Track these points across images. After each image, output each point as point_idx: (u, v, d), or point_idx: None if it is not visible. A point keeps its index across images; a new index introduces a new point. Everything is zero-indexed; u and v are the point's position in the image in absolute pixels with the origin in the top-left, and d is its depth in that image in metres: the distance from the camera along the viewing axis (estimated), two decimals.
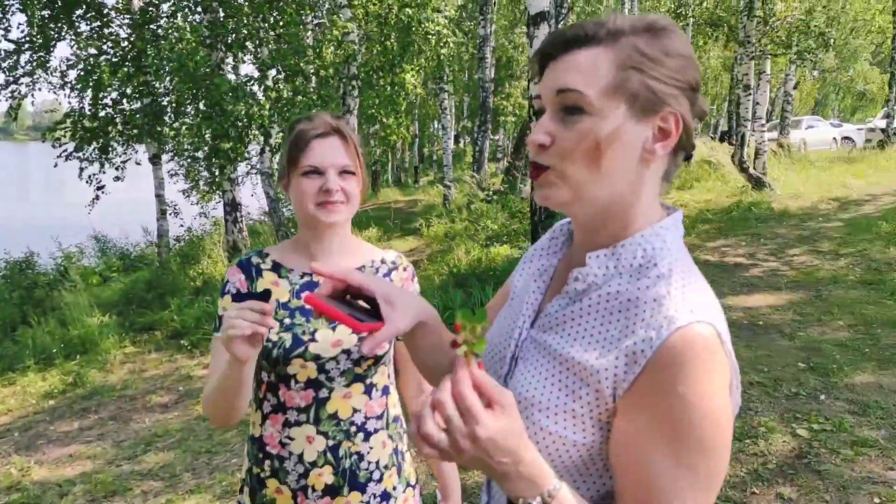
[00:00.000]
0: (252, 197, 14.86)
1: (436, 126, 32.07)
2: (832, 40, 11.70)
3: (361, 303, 0.88)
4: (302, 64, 8.16)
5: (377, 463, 1.35)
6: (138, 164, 10.19)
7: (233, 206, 9.76)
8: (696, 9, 12.62)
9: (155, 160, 10.37)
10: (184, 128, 9.78)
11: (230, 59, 8.71)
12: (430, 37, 8.47)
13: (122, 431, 4.42)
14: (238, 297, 1.31)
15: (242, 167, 10.60)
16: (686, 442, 0.68)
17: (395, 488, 1.40)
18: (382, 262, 1.43)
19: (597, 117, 0.74)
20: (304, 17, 9.32)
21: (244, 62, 8.93)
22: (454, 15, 9.68)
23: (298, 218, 1.36)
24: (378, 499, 1.35)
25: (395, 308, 0.84)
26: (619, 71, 0.74)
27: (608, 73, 0.75)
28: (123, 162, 9.90)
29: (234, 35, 7.97)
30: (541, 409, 0.77)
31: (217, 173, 9.07)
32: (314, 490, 1.30)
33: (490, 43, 15.47)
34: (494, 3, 16.05)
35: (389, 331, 0.82)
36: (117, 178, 9.72)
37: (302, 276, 1.36)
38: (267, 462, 1.33)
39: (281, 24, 8.40)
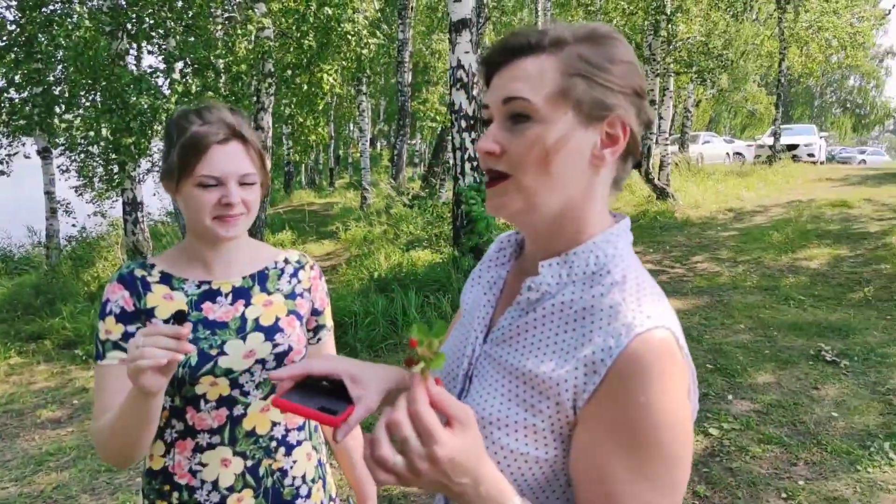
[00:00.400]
0: (154, 196, 14.06)
1: (351, 128, 31.73)
2: (729, 62, 12.58)
3: (325, 382, 0.83)
4: (212, 57, 7.78)
5: (303, 477, 1.26)
6: (27, 157, 9.34)
7: (133, 206, 9.14)
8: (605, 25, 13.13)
9: (45, 154, 9.56)
10: (78, 120, 9.08)
11: (133, 50, 8.18)
12: (349, 37, 8.32)
13: (9, 450, 3.98)
14: (123, 316, 1.17)
15: (145, 164, 9.96)
16: (648, 452, 0.67)
17: (332, 500, 1.34)
18: (286, 262, 1.33)
19: (544, 124, 0.74)
20: (213, 10, 8.91)
21: (150, 53, 8.39)
22: (374, 16, 9.58)
23: (190, 227, 1.22)
24: None
25: (363, 385, 0.82)
26: (564, 78, 0.74)
27: (553, 80, 0.74)
28: (10, 155, 9.04)
29: (137, 24, 7.47)
30: (499, 427, 0.74)
31: (117, 170, 8.47)
32: None
33: (408, 47, 15.47)
34: (413, 8, 16.07)
35: (361, 413, 0.79)
36: (2, 173, 8.87)
37: (199, 286, 1.23)
38: (175, 495, 1.19)
39: (189, 14, 7.97)
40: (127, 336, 1.16)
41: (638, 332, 0.69)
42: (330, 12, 7.94)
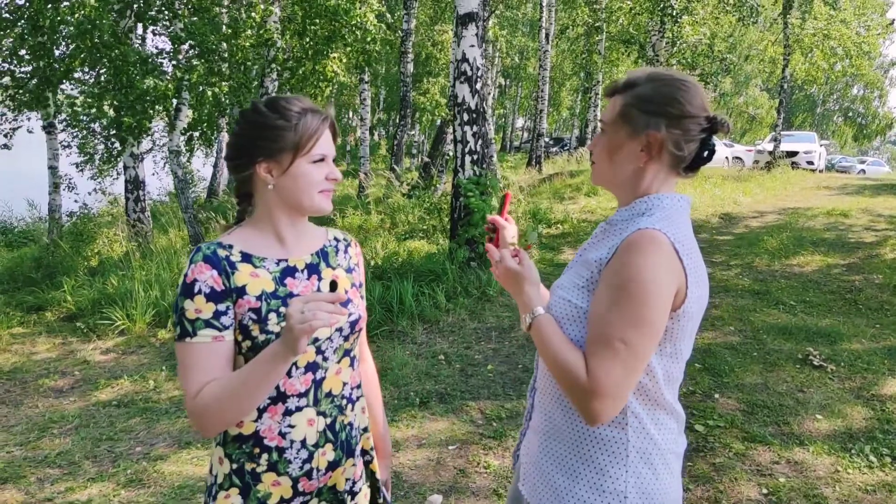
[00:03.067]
0: (153, 176, 14.07)
1: (350, 116, 31.65)
2: (731, 66, 12.63)
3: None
4: (216, 42, 7.75)
5: (359, 427, 1.43)
6: (30, 132, 9.34)
7: (135, 184, 9.18)
8: (613, 25, 13.17)
9: (49, 129, 9.56)
10: (82, 96, 9.09)
11: (139, 29, 8.17)
12: (356, 30, 8.33)
13: (13, 416, 4.05)
14: (213, 295, 1.22)
15: (146, 143, 9.97)
16: (619, 289, 1.10)
17: (372, 448, 1.49)
18: (336, 239, 1.45)
19: (610, 134, 1.25)
20: None
21: (155, 34, 8.39)
22: (382, 10, 9.59)
23: (288, 203, 1.29)
24: (359, 458, 1.43)
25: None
26: (625, 108, 1.22)
27: (619, 108, 1.23)
28: (14, 129, 9.04)
29: (145, 5, 7.48)
30: (562, 288, 1.26)
31: (119, 147, 8.48)
32: (318, 470, 1.32)
33: (412, 38, 15.45)
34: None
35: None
36: (5, 146, 8.88)
37: (278, 263, 1.30)
38: (264, 456, 1.28)
39: None
40: (218, 314, 1.21)
41: (641, 228, 1.13)
42: (336, 3, 7.94)
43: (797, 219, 9.53)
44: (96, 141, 10.42)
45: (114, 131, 7.77)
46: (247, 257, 1.28)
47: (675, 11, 10.88)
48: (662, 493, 1.18)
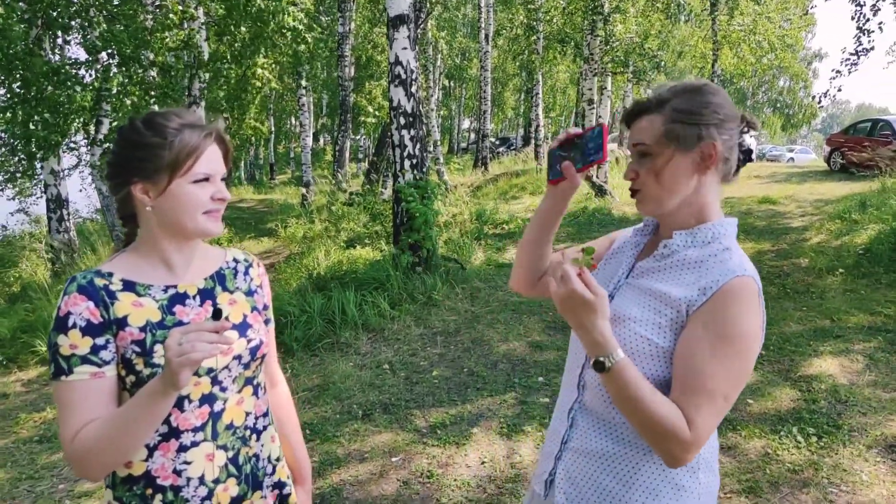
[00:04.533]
0: (80, 192, 13.44)
1: (293, 123, 31.14)
2: (662, 63, 12.96)
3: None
4: (133, 48, 7.41)
5: (268, 458, 1.37)
6: None
7: (58, 203, 8.75)
8: (547, 25, 13.33)
9: None
10: None
11: (58, 39, 7.76)
12: (285, 31, 8.14)
13: None
14: (90, 329, 1.14)
15: (69, 159, 9.50)
16: (725, 344, 1.06)
17: (288, 477, 1.43)
18: (235, 260, 1.39)
19: (656, 157, 1.17)
20: None
21: (66, 43, 7.98)
22: (311, 9, 9.39)
23: (170, 226, 1.21)
24: (271, 489, 1.37)
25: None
26: (667, 125, 1.16)
27: (659, 128, 1.16)
28: None
29: (56, 11, 7.10)
30: (635, 321, 1.16)
31: (26, 162, 8.04)
32: None
33: (349, 41, 15.29)
34: (353, 1, 15.88)
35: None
36: None
37: (166, 290, 1.23)
38: (158, 497, 1.20)
39: (115, 2, 7.62)
40: (96, 349, 1.14)
41: (738, 274, 1.10)
42: (263, 5, 7.73)
43: (731, 208, 9.85)
44: (16, 158, 9.89)
45: (25, 146, 7.35)
46: (129, 285, 1.20)
47: (605, 11, 11.09)
48: (717, 487, 1.26)
